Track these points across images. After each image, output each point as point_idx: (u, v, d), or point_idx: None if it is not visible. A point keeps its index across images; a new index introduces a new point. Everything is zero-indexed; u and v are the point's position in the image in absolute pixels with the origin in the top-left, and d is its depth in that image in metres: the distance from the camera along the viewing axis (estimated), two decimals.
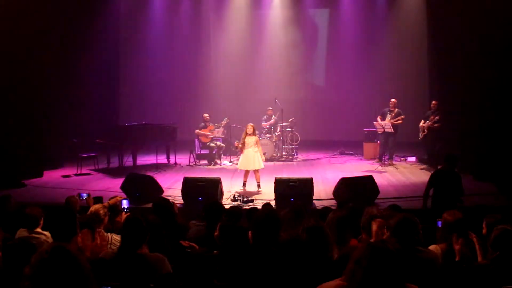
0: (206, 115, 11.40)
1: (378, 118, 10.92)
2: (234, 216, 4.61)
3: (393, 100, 10.84)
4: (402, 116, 10.62)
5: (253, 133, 8.38)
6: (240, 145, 8.42)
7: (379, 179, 8.38)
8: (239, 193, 8.08)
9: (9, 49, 8.93)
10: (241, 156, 8.50)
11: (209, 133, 11.19)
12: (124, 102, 14.16)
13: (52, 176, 9.77)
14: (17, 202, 5.73)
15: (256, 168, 8.28)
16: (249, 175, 8.38)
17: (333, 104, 13.82)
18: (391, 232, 3.35)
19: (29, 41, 9.28)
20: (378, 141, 11.13)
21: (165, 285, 3.09)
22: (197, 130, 11.30)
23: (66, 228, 3.26)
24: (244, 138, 8.33)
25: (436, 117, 9.92)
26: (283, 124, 11.75)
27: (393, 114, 10.69)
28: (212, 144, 11.13)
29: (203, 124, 11.36)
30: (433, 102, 10.33)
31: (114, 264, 3.20)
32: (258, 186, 8.28)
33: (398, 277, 2.19)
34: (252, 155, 8.23)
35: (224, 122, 11.56)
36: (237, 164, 10.89)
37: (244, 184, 8.35)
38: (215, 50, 14.17)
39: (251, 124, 8.52)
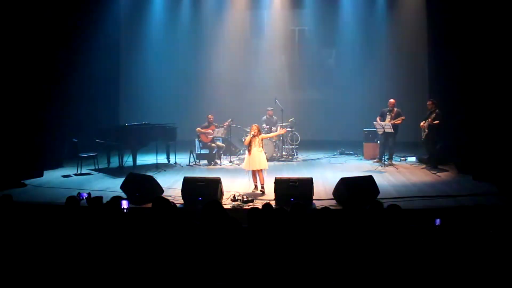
0: (211, 116, 11.39)
1: (378, 119, 10.91)
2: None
3: (391, 100, 10.83)
4: (403, 117, 10.61)
5: (258, 134, 8.26)
6: (247, 144, 8.34)
7: (379, 179, 8.37)
8: (250, 193, 8.11)
9: (9, 49, 8.93)
10: (246, 157, 8.42)
11: (210, 131, 11.19)
12: (124, 102, 14.15)
13: (52, 176, 9.76)
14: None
15: (261, 168, 8.20)
16: (256, 175, 8.29)
17: (333, 104, 13.79)
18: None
19: (29, 40, 9.28)
20: (378, 142, 11.13)
21: None
22: (199, 128, 11.30)
23: None
24: (250, 140, 8.21)
25: (433, 115, 9.94)
26: (283, 124, 11.75)
27: (392, 114, 10.69)
28: (212, 144, 11.13)
29: (206, 123, 11.36)
30: (428, 102, 10.33)
31: None
32: (262, 187, 8.23)
33: None
34: (257, 155, 8.14)
35: (227, 123, 11.54)
36: (237, 164, 10.97)
37: (256, 186, 8.29)
38: (215, 50, 14.14)
39: (256, 124, 8.41)
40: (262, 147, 8.26)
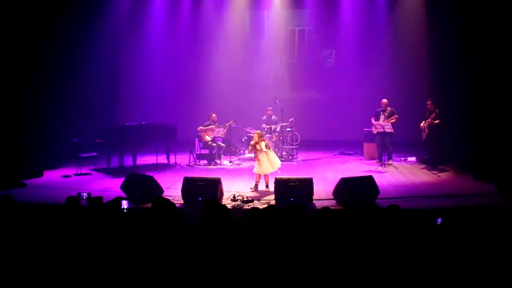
0: (214, 115, 11.39)
1: (372, 119, 10.96)
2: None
3: (384, 100, 10.92)
4: (396, 116, 10.69)
5: (259, 140, 8.30)
6: (251, 150, 8.41)
7: (379, 179, 8.38)
8: (251, 190, 8.17)
9: (9, 49, 8.93)
10: (256, 163, 8.38)
11: (213, 127, 11.19)
12: (124, 102, 14.15)
13: (52, 176, 9.76)
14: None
15: (272, 171, 8.31)
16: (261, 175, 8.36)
17: (333, 104, 13.80)
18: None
19: (28, 40, 9.27)
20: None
21: None
22: (201, 127, 11.28)
23: None
24: (254, 146, 8.29)
25: (433, 115, 9.95)
26: (283, 124, 11.75)
27: (386, 114, 10.77)
28: (213, 144, 11.13)
29: (208, 122, 11.35)
30: (428, 102, 10.35)
31: None
32: (267, 186, 8.30)
33: None
34: (264, 159, 8.24)
35: (228, 124, 11.52)
36: (237, 164, 10.99)
37: (256, 185, 8.34)
38: (215, 50, 14.15)
39: (257, 132, 8.53)
40: (269, 149, 8.36)
